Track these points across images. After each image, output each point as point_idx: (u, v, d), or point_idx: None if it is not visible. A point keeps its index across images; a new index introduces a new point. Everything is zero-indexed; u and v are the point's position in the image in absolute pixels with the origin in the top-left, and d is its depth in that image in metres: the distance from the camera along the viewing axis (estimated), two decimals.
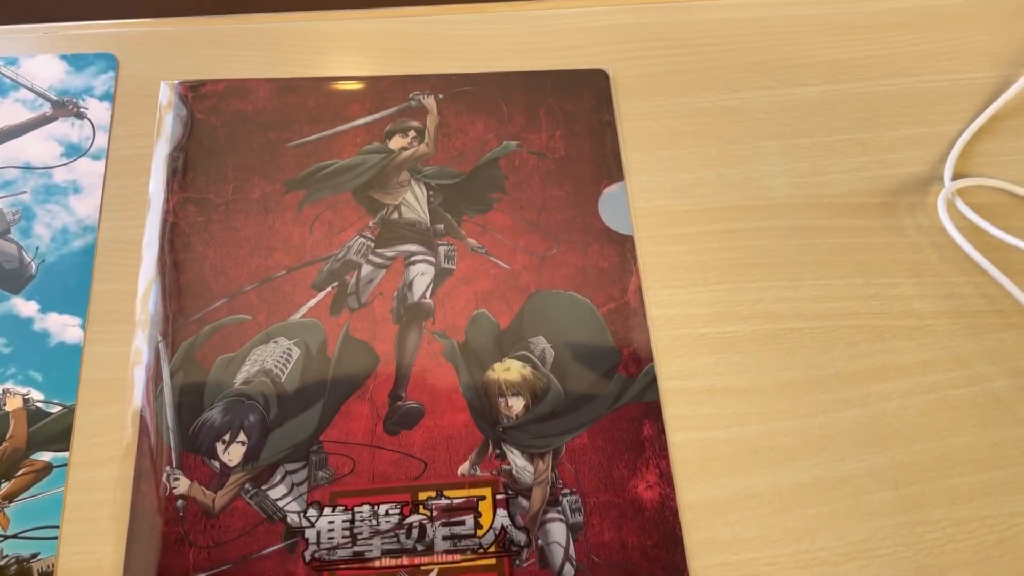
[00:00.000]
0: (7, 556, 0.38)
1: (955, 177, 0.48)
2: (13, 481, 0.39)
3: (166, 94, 0.49)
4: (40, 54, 0.50)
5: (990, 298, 0.46)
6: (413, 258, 0.45)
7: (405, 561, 0.38)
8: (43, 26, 0.51)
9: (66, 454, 0.40)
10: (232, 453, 0.40)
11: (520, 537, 0.39)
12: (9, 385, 0.41)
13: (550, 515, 0.40)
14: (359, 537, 0.39)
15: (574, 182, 0.47)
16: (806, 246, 0.46)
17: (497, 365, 0.43)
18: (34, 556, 0.38)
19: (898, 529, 0.40)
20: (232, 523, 0.39)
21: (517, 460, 0.41)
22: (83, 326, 0.43)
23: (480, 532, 0.39)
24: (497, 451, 0.41)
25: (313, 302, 0.44)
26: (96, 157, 0.47)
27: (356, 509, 0.39)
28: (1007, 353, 0.44)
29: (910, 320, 0.45)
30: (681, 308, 0.45)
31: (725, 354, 0.44)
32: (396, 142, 0.48)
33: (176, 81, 0.49)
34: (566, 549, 0.39)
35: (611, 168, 0.48)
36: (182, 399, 0.41)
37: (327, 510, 0.39)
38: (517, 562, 0.39)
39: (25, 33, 0.51)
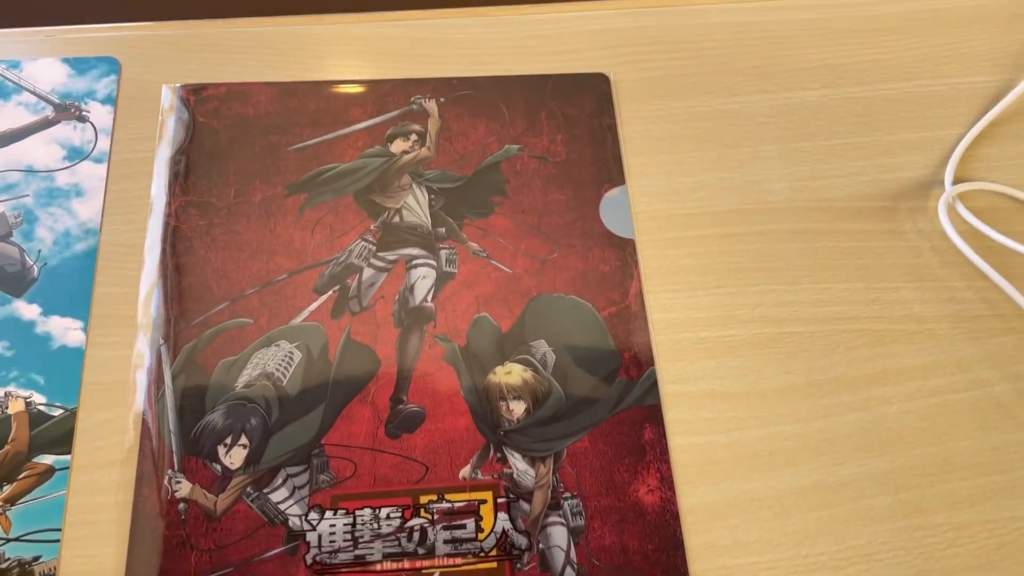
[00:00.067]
0: (9, 559, 0.38)
1: (955, 181, 0.48)
2: (15, 484, 0.39)
3: (168, 98, 0.49)
4: (42, 57, 0.50)
5: (991, 302, 0.46)
6: (414, 262, 0.45)
7: (406, 565, 0.38)
8: (45, 29, 0.51)
9: (68, 457, 0.40)
10: (234, 456, 0.40)
11: (521, 541, 0.39)
12: (11, 388, 0.41)
13: (551, 519, 0.40)
14: (360, 540, 0.39)
15: (575, 186, 0.48)
16: (806, 250, 0.47)
17: (498, 369, 0.43)
18: (36, 559, 0.38)
19: (898, 533, 0.40)
20: (233, 526, 0.39)
21: (518, 464, 0.41)
22: (85, 329, 0.43)
23: (481, 536, 0.39)
24: (498, 455, 0.41)
25: (315, 306, 0.44)
26: (98, 160, 0.47)
27: (357, 512, 0.39)
28: (1008, 357, 0.44)
29: (910, 324, 0.45)
30: (682, 312, 0.45)
31: (725, 358, 0.44)
32: (397, 146, 0.48)
33: (178, 84, 0.49)
34: (567, 553, 0.39)
35: (612, 172, 0.48)
36: (184, 402, 0.41)
37: (328, 513, 0.39)
38: (518, 566, 0.39)
39: (27, 36, 0.51)
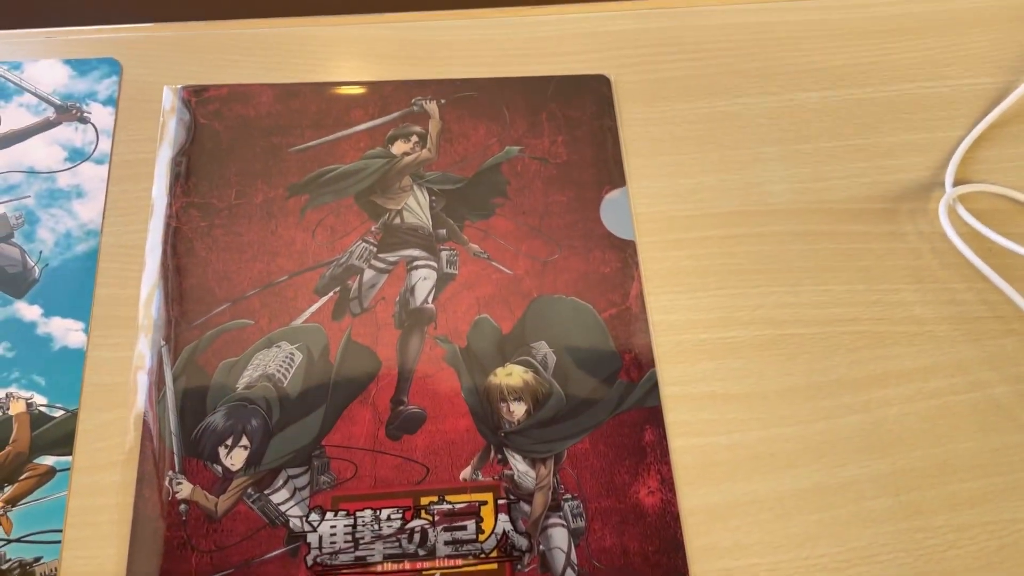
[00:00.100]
0: (10, 560, 0.38)
1: (956, 183, 0.48)
2: (16, 485, 0.39)
3: (169, 99, 0.49)
4: (44, 59, 0.50)
5: (991, 304, 0.46)
6: (415, 263, 0.45)
7: (407, 566, 0.38)
8: (47, 31, 0.51)
9: (69, 458, 0.40)
10: (234, 457, 0.40)
11: (522, 542, 0.39)
12: (12, 389, 0.41)
13: (552, 520, 0.40)
14: (361, 542, 0.39)
15: (576, 187, 0.48)
16: (807, 252, 0.47)
17: (499, 370, 0.43)
18: (37, 560, 0.38)
19: (899, 535, 0.40)
20: (234, 527, 0.39)
21: (519, 465, 0.41)
22: (86, 330, 0.43)
23: (482, 537, 0.39)
24: (499, 456, 0.41)
25: (315, 307, 0.44)
26: (99, 162, 0.47)
27: (358, 514, 0.39)
28: (1008, 359, 0.44)
29: (911, 326, 0.45)
30: (682, 313, 0.45)
31: (726, 360, 0.44)
32: (398, 147, 0.48)
33: (179, 86, 0.49)
34: (567, 554, 0.39)
35: (613, 173, 0.48)
36: (185, 404, 0.41)
37: (329, 515, 0.39)
38: (519, 567, 0.39)
39: (29, 38, 0.51)
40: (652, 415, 0.42)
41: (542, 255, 0.46)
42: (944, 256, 0.47)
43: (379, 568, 0.38)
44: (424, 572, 0.38)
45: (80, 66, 0.50)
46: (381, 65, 0.51)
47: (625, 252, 0.46)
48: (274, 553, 0.38)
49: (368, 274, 0.45)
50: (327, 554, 0.38)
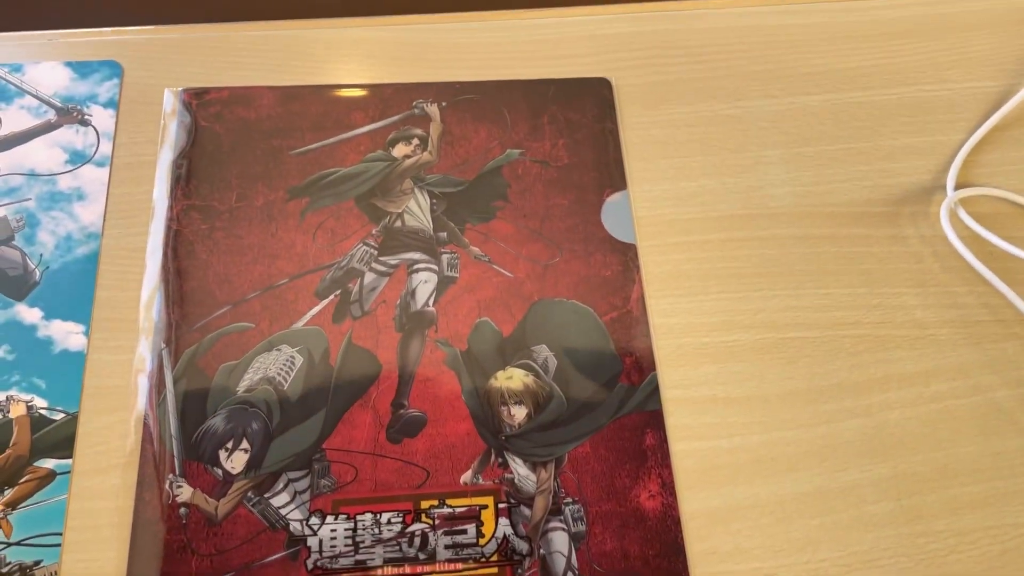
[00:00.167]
0: (10, 563, 0.38)
1: (958, 187, 0.48)
2: (16, 488, 0.39)
3: (170, 101, 0.49)
4: (45, 61, 0.50)
5: (992, 308, 0.46)
6: (416, 266, 0.45)
7: (407, 570, 0.38)
8: (48, 33, 0.51)
9: (69, 461, 0.40)
10: (235, 461, 0.40)
11: (522, 546, 0.39)
12: (13, 392, 0.41)
13: (552, 524, 0.40)
14: (361, 545, 0.39)
15: (577, 190, 0.48)
16: (809, 255, 0.47)
17: (500, 373, 0.43)
18: (37, 563, 0.38)
19: (900, 539, 0.40)
20: (235, 531, 0.39)
21: (520, 469, 0.41)
22: (87, 333, 0.43)
23: (482, 541, 0.39)
24: (499, 460, 0.41)
25: (316, 310, 0.44)
26: (100, 164, 0.47)
27: (358, 517, 0.39)
28: (1009, 363, 0.44)
29: (912, 330, 0.45)
30: (683, 317, 0.45)
31: (727, 363, 0.44)
32: (399, 150, 0.48)
33: (180, 88, 0.49)
34: (568, 558, 0.39)
35: (614, 177, 0.48)
36: (185, 406, 0.41)
37: (329, 518, 0.39)
38: (519, 571, 0.39)
39: (30, 40, 0.51)
40: (653, 419, 0.42)
41: (543, 258, 0.46)
42: (945, 260, 0.47)
43: (379, 572, 0.38)
44: None
45: (81, 68, 0.50)
46: (382, 68, 0.51)
47: (626, 255, 0.46)
48: (274, 557, 0.38)
49: (369, 277, 0.45)
50: (327, 558, 0.38)
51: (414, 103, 0.50)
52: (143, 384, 0.42)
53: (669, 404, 0.42)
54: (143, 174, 0.47)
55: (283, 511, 0.39)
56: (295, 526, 0.39)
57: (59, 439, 0.40)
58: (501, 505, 0.40)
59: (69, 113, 0.48)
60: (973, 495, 0.41)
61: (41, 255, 0.44)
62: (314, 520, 0.39)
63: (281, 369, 0.42)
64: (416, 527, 0.39)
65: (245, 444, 0.40)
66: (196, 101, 0.49)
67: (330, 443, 0.41)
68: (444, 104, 0.50)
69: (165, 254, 0.45)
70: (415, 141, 0.49)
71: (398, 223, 0.46)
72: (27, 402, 0.41)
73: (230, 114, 0.48)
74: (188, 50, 0.51)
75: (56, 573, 0.38)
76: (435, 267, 0.45)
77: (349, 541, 0.39)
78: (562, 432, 0.42)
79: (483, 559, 0.39)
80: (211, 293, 0.44)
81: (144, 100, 0.49)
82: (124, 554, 0.38)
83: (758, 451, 0.42)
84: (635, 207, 0.47)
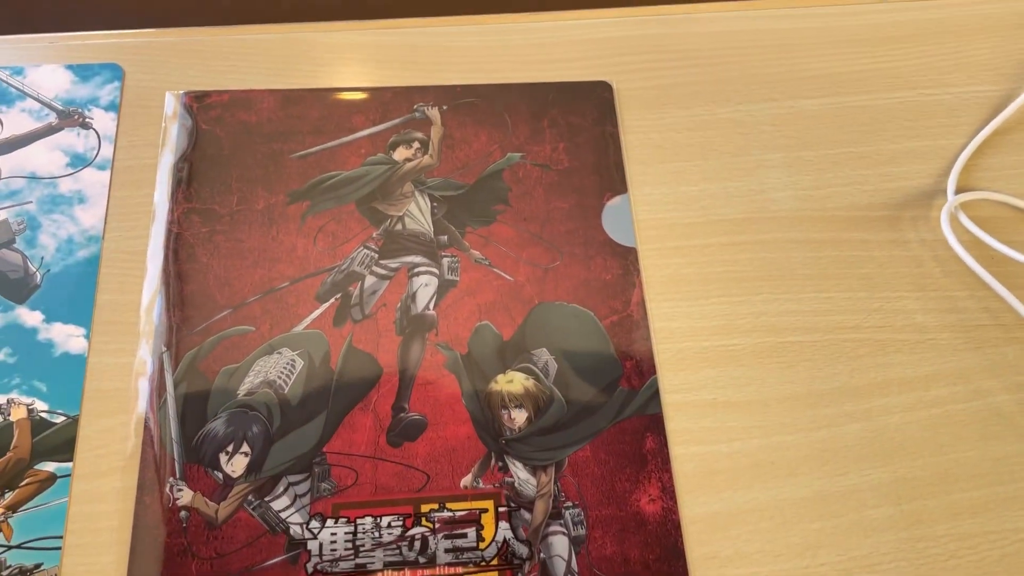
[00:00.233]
0: (11, 566, 0.38)
1: (958, 191, 0.48)
2: (17, 491, 0.39)
3: (171, 104, 0.49)
4: (46, 64, 0.50)
5: (993, 312, 0.46)
6: (416, 269, 0.45)
7: (407, 573, 0.38)
8: (49, 36, 0.51)
9: (70, 464, 0.40)
10: (235, 464, 0.40)
11: (522, 550, 0.39)
12: (13, 395, 0.41)
13: (552, 528, 0.40)
14: (361, 549, 0.39)
15: (577, 194, 0.48)
16: (809, 259, 0.47)
17: (500, 377, 0.43)
18: (37, 567, 0.38)
19: (900, 544, 0.40)
20: (235, 534, 0.39)
21: (520, 472, 0.41)
22: (87, 336, 0.43)
23: (482, 545, 0.39)
24: (500, 463, 0.41)
25: (317, 313, 0.44)
26: (101, 167, 0.47)
27: (359, 521, 0.39)
28: (1009, 367, 0.44)
29: (913, 334, 0.45)
30: (684, 321, 0.45)
31: (728, 367, 0.44)
32: (400, 153, 0.48)
33: (181, 91, 0.49)
34: (568, 562, 0.39)
35: (614, 180, 0.48)
36: (186, 410, 0.41)
37: (330, 522, 0.39)
38: (519, 575, 0.39)
39: (31, 43, 0.51)
40: (653, 423, 0.42)
41: (543, 262, 0.46)
42: (946, 264, 0.47)
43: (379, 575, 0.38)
44: None
45: (82, 71, 0.50)
46: (383, 71, 0.51)
47: (626, 259, 0.46)
48: (274, 560, 0.38)
49: (369, 280, 0.45)
50: (327, 561, 0.38)
51: (415, 106, 0.50)
52: (144, 387, 0.42)
53: (669, 408, 0.42)
54: (144, 177, 0.47)
55: (283, 514, 0.39)
56: (295, 529, 0.39)
57: (60, 442, 0.40)
58: (501, 509, 0.40)
59: (70, 116, 0.48)
60: (973, 500, 0.41)
61: (42, 258, 0.45)
62: (314, 523, 0.39)
63: (282, 372, 0.42)
64: (416, 531, 0.39)
65: (245, 447, 0.40)
66: (197, 104, 0.49)
67: (330, 446, 0.41)
68: (445, 107, 0.50)
69: (166, 257, 0.45)
70: (416, 144, 0.49)
71: (399, 226, 0.46)
72: (28, 405, 0.41)
73: (231, 117, 0.49)
74: (189, 53, 0.51)
75: None
76: (436, 270, 0.45)
77: (349, 545, 0.39)
78: (562, 436, 0.42)
79: (483, 563, 0.39)
80: (212, 296, 0.44)
81: (145, 103, 0.49)
82: (124, 557, 0.38)
83: (758, 455, 0.42)
84: (635, 211, 0.47)
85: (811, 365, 0.44)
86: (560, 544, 0.39)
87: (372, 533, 0.39)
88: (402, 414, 0.42)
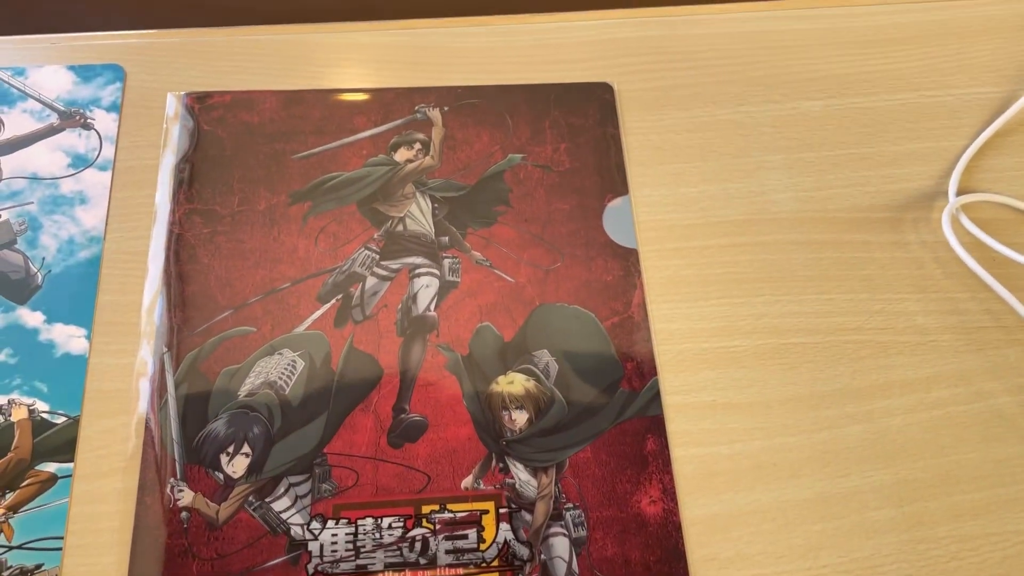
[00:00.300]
0: (11, 567, 0.38)
1: (959, 192, 0.48)
2: (18, 492, 0.39)
3: (173, 105, 0.49)
4: (48, 65, 0.50)
5: (994, 314, 0.46)
6: (418, 271, 0.45)
7: (408, 574, 0.38)
8: (51, 37, 0.51)
9: (71, 465, 0.40)
10: (236, 465, 0.40)
11: (523, 551, 0.39)
12: (14, 395, 0.41)
13: (553, 529, 0.40)
14: (362, 550, 0.39)
15: (578, 195, 0.48)
16: (810, 261, 0.47)
17: (501, 378, 0.43)
18: (38, 567, 0.38)
19: (902, 546, 0.40)
20: (236, 535, 0.39)
21: (520, 474, 0.41)
22: (88, 337, 0.43)
23: (483, 546, 0.39)
24: (500, 465, 0.41)
25: (318, 314, 0.44)
26: (103, 168, 0.47)
27: (359, 522, 0.39)
28: (1011, 369, 0.44)
29: (914, 336, 0.45)
30: (685, 322, 0.45)
31: (729, 369, 0.44)
32: (401, 154, 0.48)
33: (183, 92, 0.49)
34: (569, 564, 0.39)
35: (615, 181, 0.48)
36: (186, 411, 0.41)
37: (330, 523, 0.39)
38: None
39: (33, 44, 0.51)
40: (654, 424, 0.42)
41: (544, 263, 0.46)
42: (947, 266, 0.47)
43: None
44: None
45: (84, 72, 0.50)
46: (384, 72, 0.51)
47: (627, 260, 0.46)
48: (275, 561, 0.38)
49: (370, 281, 0.45)
50: (328, 562, 0.38)
51: (416, 107, 0.50)
52: (144, 388, 0.42)
53: (670, 409, 0.42)
54: (145, 178, 0.47)
55: (284, 515, 0.39)
56: (296, 530, 0.39)
57: (60, 443, 0.40)
58: (502, 510, 0.40)
59: (71, 117, 0.48)
60: (975, 502, 0.41)
61: (43, 259, 0.45)
62: (315, 524, 0.39)
63: (283, 373, 0.42)
64: (417, 532, 0.39)
65: (246, 448, 0.40)
66: (198, 105, 0.49)
67: (331, 447, 0.41)
68: (446, 108, 0.50)
69: (167, 258, 0.45)
70: (417, 145, 0.49)
71: (400, 227, 0.46)
72: (29, 406, 0.41)
73: (232, 118, 0.49)
74: (190, 54, 0.51)
75: None
76: (436, 272, 0.45)
77: (350, 546, 0.39)
78: (563, 437, 0.42)
79: (484, 564, 0.39)
80: (213, 297, 0.44)
81: (146, 104, 0.49)
82: (125, 558, 0.38)
83: (759, 457, 0.42)
84: (636, 212, 0.47)
85: (812, 367, 0.44)
86: (561, 545, 0.39)
87: (373, 534, 0.39)
88: (403, 415, 0.42)
